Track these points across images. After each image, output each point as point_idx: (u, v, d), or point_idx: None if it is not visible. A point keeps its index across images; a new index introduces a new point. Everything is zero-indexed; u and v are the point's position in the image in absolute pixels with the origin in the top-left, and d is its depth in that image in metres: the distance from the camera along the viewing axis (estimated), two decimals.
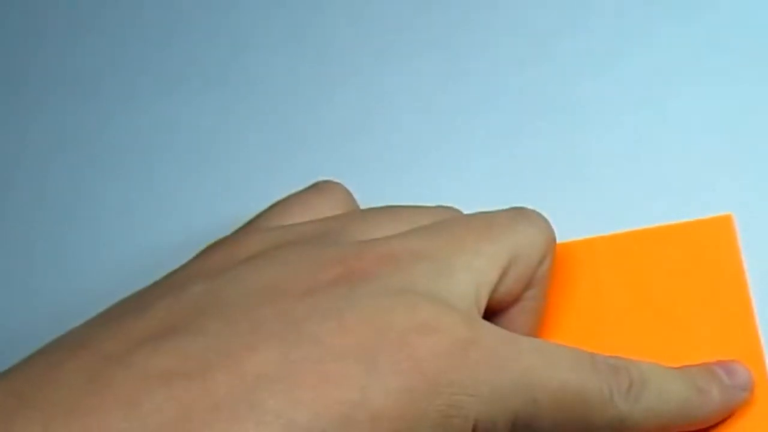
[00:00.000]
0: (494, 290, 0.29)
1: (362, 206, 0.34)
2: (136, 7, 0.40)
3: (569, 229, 0.34)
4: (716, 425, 0.31)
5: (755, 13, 0.37)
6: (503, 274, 0.30)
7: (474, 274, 0.29)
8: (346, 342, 0.26)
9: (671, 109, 0.36)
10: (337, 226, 0.30)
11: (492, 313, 0.30)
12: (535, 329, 0.32)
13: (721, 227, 0.34)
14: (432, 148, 0.37)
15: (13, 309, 0.36)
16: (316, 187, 0.33)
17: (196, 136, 0.38)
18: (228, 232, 0.33)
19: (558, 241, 0.33)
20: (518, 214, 0.31)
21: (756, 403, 0.32)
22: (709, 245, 0.34)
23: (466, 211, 0.33)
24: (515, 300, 0.31)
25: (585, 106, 0.36)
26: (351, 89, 0.37)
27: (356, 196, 0.34)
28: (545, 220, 0.31)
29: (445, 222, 0.31)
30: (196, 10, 0.40)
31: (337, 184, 0.33)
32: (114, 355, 0.25)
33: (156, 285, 0.29)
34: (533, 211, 0.31)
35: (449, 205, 0.33)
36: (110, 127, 0.38)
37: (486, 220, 0.31)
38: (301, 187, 0.33)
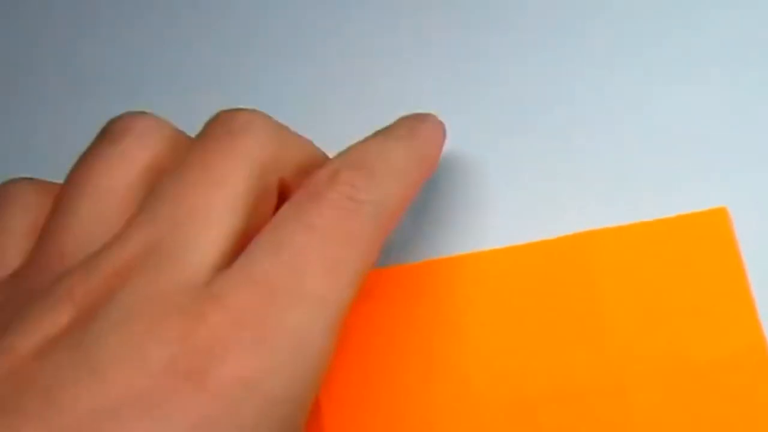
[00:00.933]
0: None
1: None
2: (136, 6, 0.40)
3: (560, 223, 0.34)
4: (718, 418, 0.31)
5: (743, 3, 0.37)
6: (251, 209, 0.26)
7: (212, 243, 0.25)
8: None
9: (663, 104, 0.36)
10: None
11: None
12: None
13: (716, 220, 0.33)
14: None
15: None
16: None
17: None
18: None
19: (548, 236, 0.32)
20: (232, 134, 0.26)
21: (759, 395, 0.31)
22: (704, 238, 0.33)
23: None
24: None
25: (577, 100, 0.36)
26: None
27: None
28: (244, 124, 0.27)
29: (167, 188, 0.26)
30: (195, 10, 0.40)
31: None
32: None
33: None
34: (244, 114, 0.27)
35: None
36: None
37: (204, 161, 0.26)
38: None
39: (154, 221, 0.25)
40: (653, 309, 0.33)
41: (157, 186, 0.26)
